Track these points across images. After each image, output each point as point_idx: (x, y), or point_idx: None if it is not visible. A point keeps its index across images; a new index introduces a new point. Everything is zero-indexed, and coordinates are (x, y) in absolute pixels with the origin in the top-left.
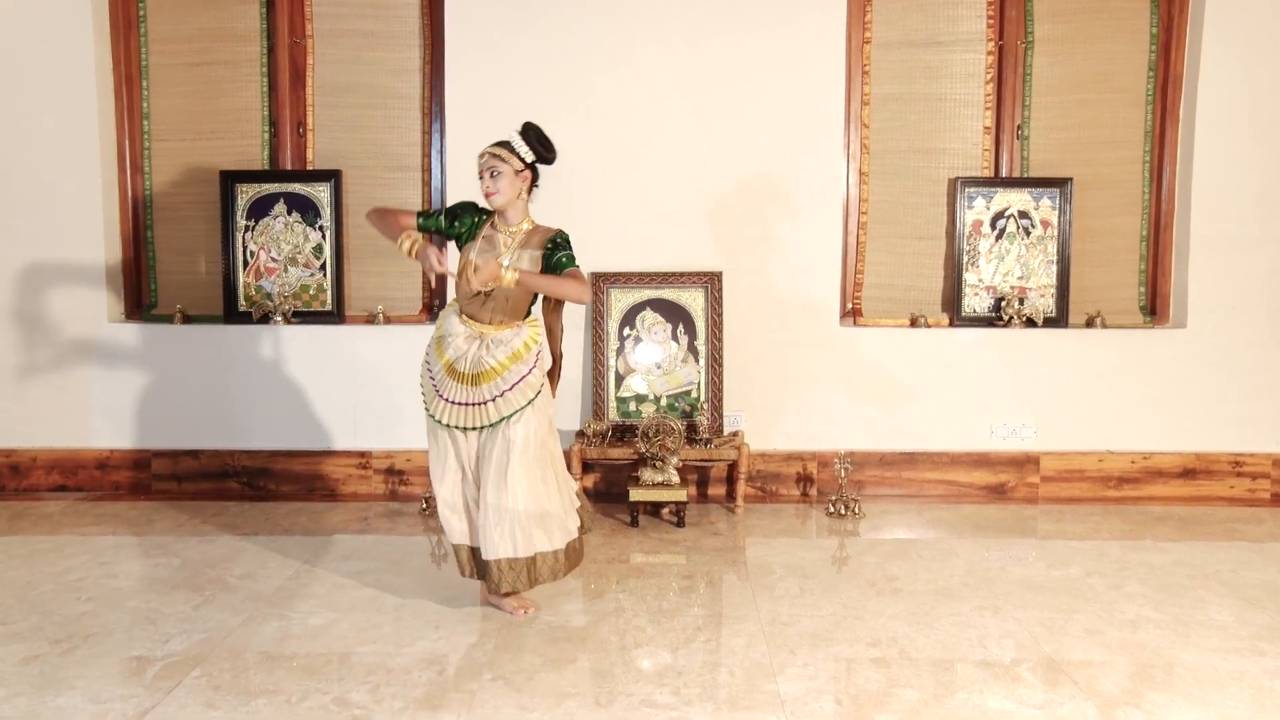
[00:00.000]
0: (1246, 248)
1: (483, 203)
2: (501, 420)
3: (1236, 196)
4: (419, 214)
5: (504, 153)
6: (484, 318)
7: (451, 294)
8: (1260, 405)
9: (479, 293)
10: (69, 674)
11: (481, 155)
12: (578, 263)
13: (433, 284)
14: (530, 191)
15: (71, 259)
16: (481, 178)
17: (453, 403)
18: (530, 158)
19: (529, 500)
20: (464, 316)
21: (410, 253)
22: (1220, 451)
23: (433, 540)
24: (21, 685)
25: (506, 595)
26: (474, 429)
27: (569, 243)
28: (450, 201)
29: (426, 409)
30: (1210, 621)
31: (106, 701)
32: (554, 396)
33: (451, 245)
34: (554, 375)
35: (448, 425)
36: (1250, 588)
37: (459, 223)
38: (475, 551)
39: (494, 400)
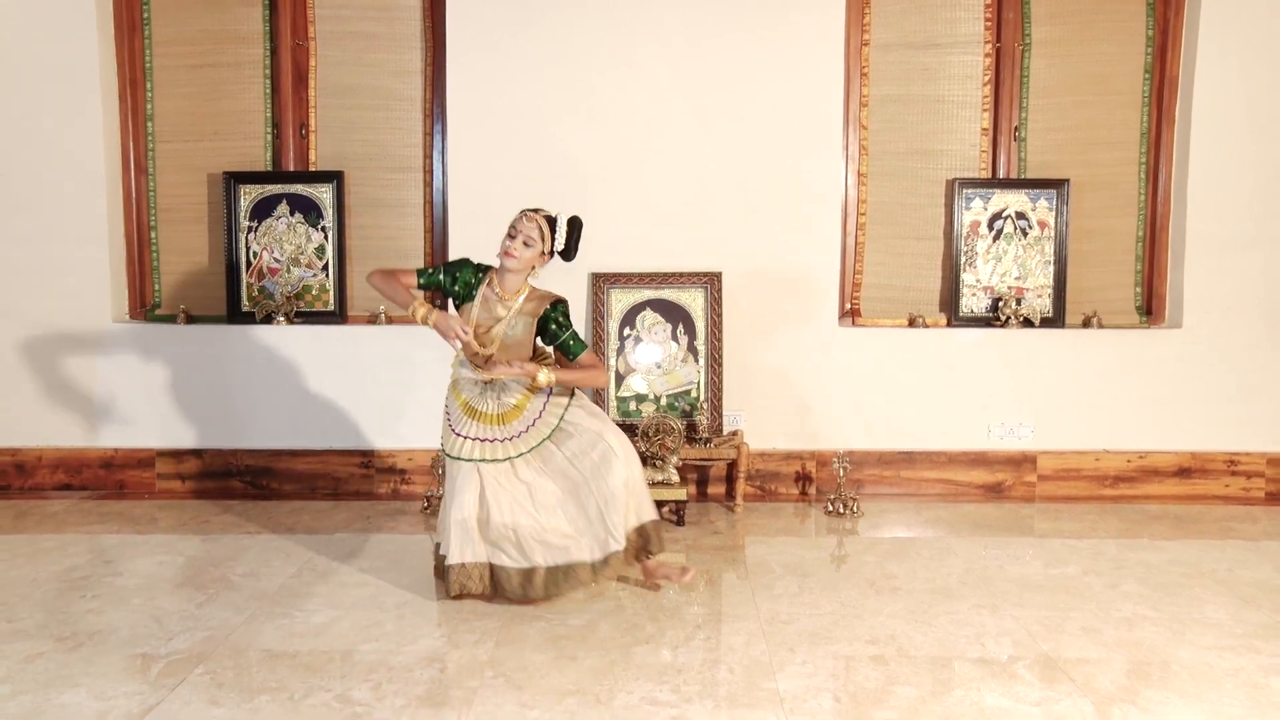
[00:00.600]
0: (1242, 248)
1: (478, 257)
2: (545, 439)
3: (1232, 197)
4: (418, 271)
5: (544, 228)
6: (488, 369)
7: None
8: (1255, 405)
9: (482, 352)
10: (74, 671)
11: (521, 216)
12: (581, 335)
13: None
14: (546, 259)
15: (76, 259)
16: (511, 236)
17: (479, 440)
18: (560, 248)
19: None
20: (472, 366)
21: (425, 321)
22: (1216, 451)
23: (434, 539)
24: (27, 682)
25: (649, 564)
26: (508, 459)
27: (569, 316)
28: (452, 202)
29: (446, 452)
30: (1206, 620)
31: (111, 698)
32: None
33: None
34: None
35: (474, 460)
36: (1245, 586)
37: (458, 280)
38: (493, 569)
39: (528, 430)
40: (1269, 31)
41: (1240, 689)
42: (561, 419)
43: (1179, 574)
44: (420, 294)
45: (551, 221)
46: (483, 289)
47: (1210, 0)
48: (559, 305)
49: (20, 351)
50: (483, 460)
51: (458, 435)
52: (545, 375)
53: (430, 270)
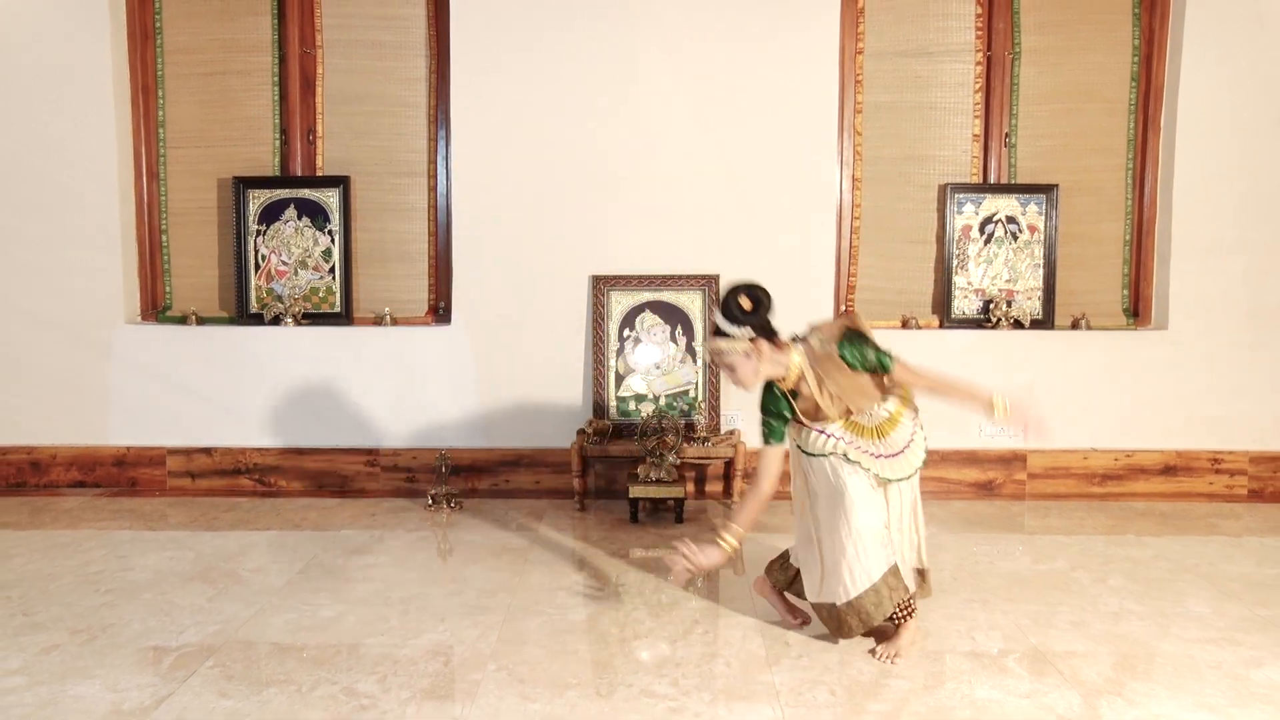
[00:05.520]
0: (1225, 252)
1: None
2: (915, 472)
3: (1215, 202)
4: (773, 440)
5: (723, 347)
6: (842, 412)
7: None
8: (1238, 404)
9: (816, 409)
10: (88, 663)
11: (710, 357)
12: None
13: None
14: (770, 343)
15: (89, 262)
16: (726, 369)
17: (879, 456)
18: (748, 333)
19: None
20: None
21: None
22: (1200, 449)
23: (439, 535)
24: (43, 673)
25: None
26: (904, 479)
27: (850, 338)
28: (456, 200)
29: (860, 465)
30: (1189, 613)
31: (124, 690)
32: None
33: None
34: None
35: (889, 480)
36: (1228, 580)
37: (782, 408)
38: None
39: (906, 449)
40: (1251, 42)
41: (1222, 680)
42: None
43: (1164, 569)
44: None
45: (717, 333)
46: (793, 385)
47: (1194, 11)
48: (827, 336)
49: (35, 352)
50: (894, 480)
51: (870, 454)
52: (729, 545)
53: (773, 430)
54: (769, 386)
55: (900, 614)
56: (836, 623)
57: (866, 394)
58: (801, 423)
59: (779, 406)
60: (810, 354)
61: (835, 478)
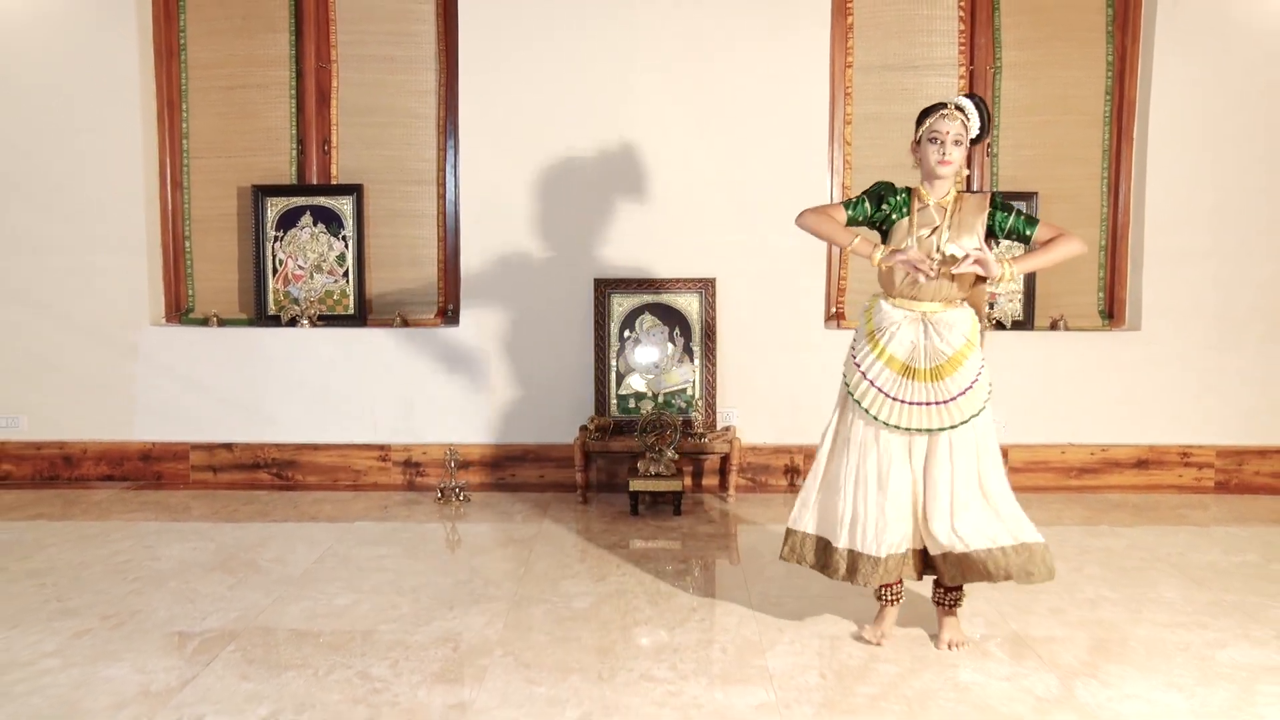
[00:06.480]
0: (1196, 257)
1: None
2: (965, 422)
3: (1185, 210)
4: (844, 204)
5: (968, 120)
6: (926, 295)
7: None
8: (1207, 401)
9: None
10: (117, 647)
11: (938, 116)
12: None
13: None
14: (957, 180)
15: (116, 267)
16: (935, 142)
17: (910, 403)
18: (977, 132)
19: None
20: (896, 300)
21: (883, 262)
22: (1170, 444)
23: (447, 527)
24: (76, 656)
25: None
26: (939, 429)
27: (1008, 203)
28: (464, 206)
29: (864, 409)
30: (1160, 599)
31: (151, 672)
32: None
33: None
34: None
35: (907, 429)
36: (1196, 568)
37: (888, 205)
38: (922, 554)
39: (959, 397)
40: (1217, 59)
41: (1190, 662)
42: (982, 410)
43: (1137, 558)
44: (861, 231)
45: (963, 110)
46: (914, 208)
47: (1163, 31)
48: (996, 198)
49: (66, 352)
50: (919, 430)
51: (891, 398)
52: (1008, 270)
53: (856, 202)
54: (893, 185)
55: (888, 597)
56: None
57: (948, 289)
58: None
59: (892, 205)
60: (966, 214)
61: (857, 431)
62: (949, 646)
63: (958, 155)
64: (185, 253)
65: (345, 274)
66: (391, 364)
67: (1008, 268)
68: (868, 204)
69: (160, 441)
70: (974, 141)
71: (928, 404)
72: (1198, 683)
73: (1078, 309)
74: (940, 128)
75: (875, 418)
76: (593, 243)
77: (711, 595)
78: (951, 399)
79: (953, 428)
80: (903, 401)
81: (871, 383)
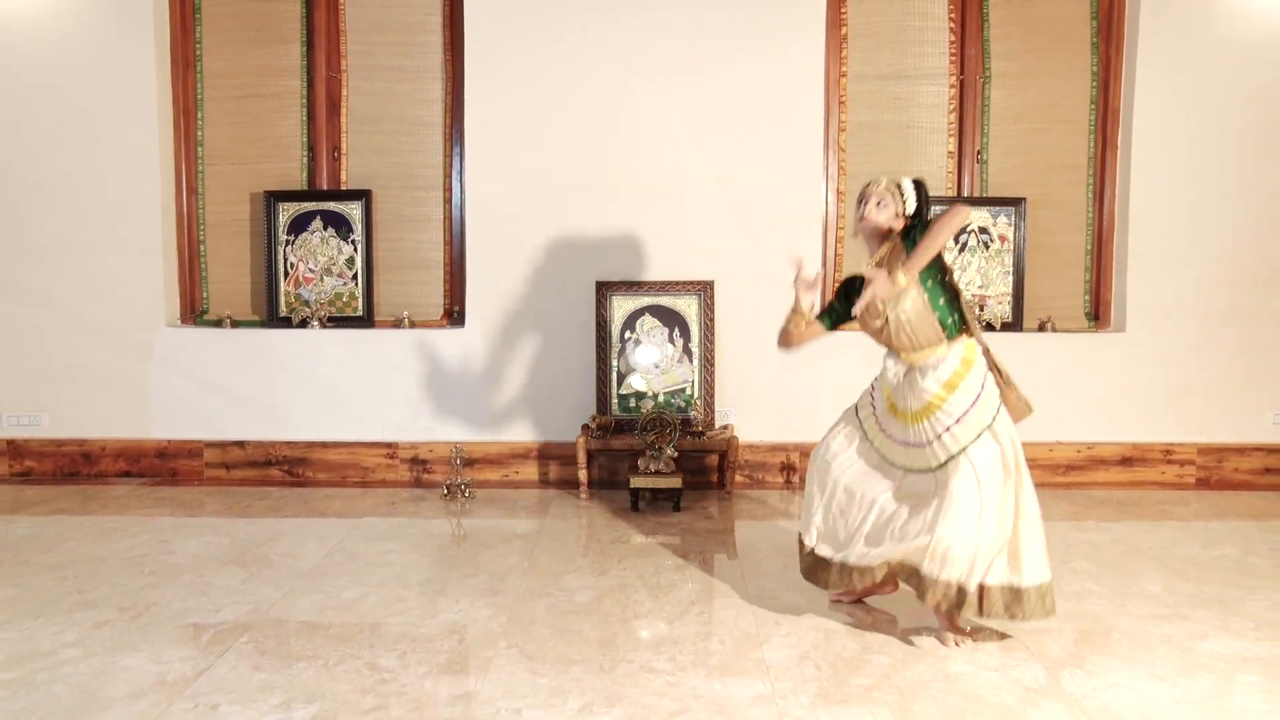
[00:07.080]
0: (1178, 261)
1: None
2: (950, 459)
3: (1168, 216)
4: (820, 319)
5: (894, 189)
6: (901, 345)
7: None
8: (1188, 401)
9: (880, 326)
10: (135, 638)
11: (868, 184)
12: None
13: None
14: (892, 240)
15: (133, 270)
16: (863, 202)
17: (896, 441)
18: (911, 210)
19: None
20: (892, 353)
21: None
22: (1154, 442)
23: (453, 523)
24: (95, 646)
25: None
26: (919, 471)
27: (922, 216)
28: (469, 211)
29: (864, 432)
30: (1143, 592)
31: (167, 662)
32: (1023, 410)
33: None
34: (1007, 392)
35: (892, 464)
36: (1178, 561)
37: (853, 290)
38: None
39: (938, 439)
40: (1198, 70)
41: (1172, 652)
42: (974, 442)
43: (1121, 552)
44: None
45: (898, 185)
46: (866, 277)
47: (1146, 41)
48: (908, 230)
49: (85, 353)
50: (899, 467)
51: (884, 432)
52: (900, 278)
53: (828, 308)
54: (849, 280)
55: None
56: None
57: (928, 335)
58: (856, 319)
59: (842, 296)
60: (892, 258)
61: (854, 440)
62: (953, 644)
63: (880, 216)
64: (200, 256)
65: (354, 277)
66: (399, 364)
67: (901, 276)
68: (836, 302)
69: (176, 439)
70: (911, 218)
71: (906, 444)
72: (1179, 673)
73: (1065, 311)
74: (868, 190)
75: (867, 435)
76: (594, 246)
77: (710, 589)
78: (928, 442)
79: (933, 469)
80: (886, 434)
81: (873, 410)
